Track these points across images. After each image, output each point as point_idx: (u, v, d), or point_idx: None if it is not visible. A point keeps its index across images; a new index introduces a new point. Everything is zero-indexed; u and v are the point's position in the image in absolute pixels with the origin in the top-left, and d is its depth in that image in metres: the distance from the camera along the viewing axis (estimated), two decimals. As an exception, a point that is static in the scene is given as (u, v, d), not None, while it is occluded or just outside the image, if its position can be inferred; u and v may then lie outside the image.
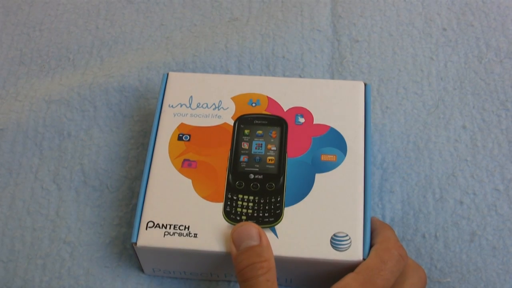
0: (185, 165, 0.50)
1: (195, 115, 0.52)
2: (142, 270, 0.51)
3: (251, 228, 0.45)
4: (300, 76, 0.62)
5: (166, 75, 0.54)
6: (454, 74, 0.62)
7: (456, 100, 0.60)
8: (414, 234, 0.53)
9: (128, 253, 0.52)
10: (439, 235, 0.52)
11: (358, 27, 0.66)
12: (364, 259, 0.45)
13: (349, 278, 0.43)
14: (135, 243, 0.47)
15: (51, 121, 0.58)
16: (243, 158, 0.50)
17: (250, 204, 0.48)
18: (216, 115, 0.52)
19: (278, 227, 0.46)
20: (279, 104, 0.53)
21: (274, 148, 0.50)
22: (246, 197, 0.48)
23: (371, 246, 0.46)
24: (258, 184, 0.49)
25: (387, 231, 0.47)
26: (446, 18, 0.66)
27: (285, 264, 0.46)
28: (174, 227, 0.47)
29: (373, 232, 0.47)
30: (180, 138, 0.51)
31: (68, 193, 0.54)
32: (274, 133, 0.51)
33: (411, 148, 0.57)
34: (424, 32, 0.65)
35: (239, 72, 0.62)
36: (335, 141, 0.50)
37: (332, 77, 0.62)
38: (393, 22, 0.66)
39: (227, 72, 0.62)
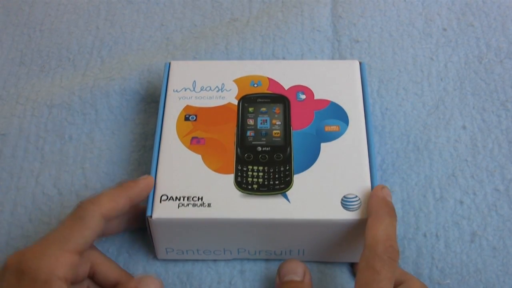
0: (194, 142, 0.51)
1: (200, 97, 0.53)
2: (155, 256, 0.51)
3: (298, 265, 0.47)
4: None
5: (168, 64, 0.56)
6: (454, 74, 0.62)
7: (456, 101, 0.60)
8: (415, 233, 0.53)
9: (130, 253, 0.52)
10: (440, 234, 0.53)
11: (358, 27, 0.66)
12: None
13: None
14: (150, 216, 0.47)
15: (53, 126, 0.59)
16: (250, 133, 0.51)
17: (260, 173, 0.49)
18: (220, 97, 0.53)
19: (289, 192, 0.48)
20: (279, 84, 0.54)
21: (279, 123, 0.52)
22: (255, 167, 0.49)
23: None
24: (266, 156, 0.50)
25: (380, 225, 0.44)
26: (446, 18, 0.66)
27: (298, 229, 0.47)
28: (188, 198, 0.47)
29: (368, 219, 0.45)
30: (186, 119, 0.52)
31: (69, 197, 0.55)
32: (278, 109, 0.53)
33: (411, 149, 0.57)
34: (424, 32, 0.65)
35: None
36: (336, 113, 0.52)
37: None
38: (393, 22, 0.66)
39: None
